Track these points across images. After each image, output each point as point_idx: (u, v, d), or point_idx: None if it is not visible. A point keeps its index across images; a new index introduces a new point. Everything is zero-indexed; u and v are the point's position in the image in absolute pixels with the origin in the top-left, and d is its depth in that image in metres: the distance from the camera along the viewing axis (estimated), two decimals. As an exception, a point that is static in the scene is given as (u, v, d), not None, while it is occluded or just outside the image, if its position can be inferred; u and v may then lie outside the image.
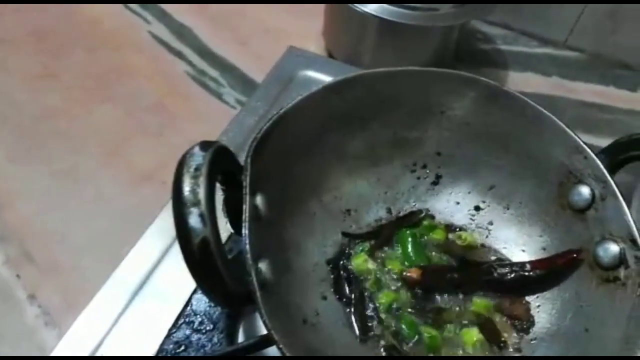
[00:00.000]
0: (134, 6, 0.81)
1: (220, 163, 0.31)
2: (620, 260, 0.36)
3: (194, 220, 0.28)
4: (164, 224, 0.49)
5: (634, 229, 0.36)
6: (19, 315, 0.49)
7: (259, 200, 0.35)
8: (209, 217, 0.28)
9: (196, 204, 0.28)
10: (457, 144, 0.44)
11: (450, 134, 0.44)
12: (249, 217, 0.32)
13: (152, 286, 0.45)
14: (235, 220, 0.32)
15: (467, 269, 0.42)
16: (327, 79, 0.58)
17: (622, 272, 0.36)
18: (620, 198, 0.37)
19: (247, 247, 0.31)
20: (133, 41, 0.76)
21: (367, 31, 0.68)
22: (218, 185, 0.34)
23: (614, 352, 0.33)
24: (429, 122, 0.44)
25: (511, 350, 0.39)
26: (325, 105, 0.40)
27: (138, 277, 0.46)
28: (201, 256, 0.28)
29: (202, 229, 0.28)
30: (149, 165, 0.61)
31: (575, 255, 0.39)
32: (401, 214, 0.46)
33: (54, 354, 0.43)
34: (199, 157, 0.30)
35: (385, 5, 0.63)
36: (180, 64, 0.73)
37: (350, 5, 0.63)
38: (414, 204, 0.46)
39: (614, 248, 0.37)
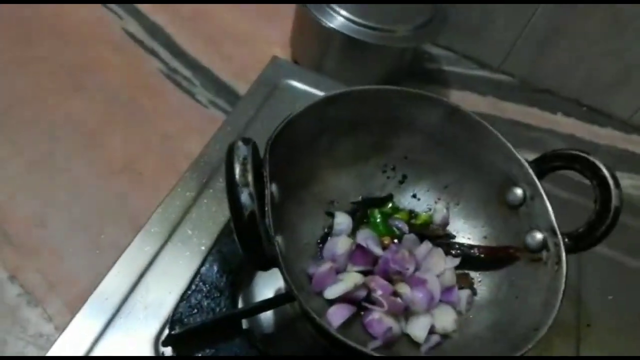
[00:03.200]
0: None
1: (256, 156, 0.40)
2: (543, 245, 0.47)
3: (245, 198, 0.36)
4: (165, 213, 0.54)
5: (554, 222, 0.47)
6: (0, 295, 0.51)
7: (274, 188, 0.43)
8: (256, 196, 0.36)
9: (246, 185, 0.36)
10: (421, 150, 0.54)
11: (416, 142, 0.54)
12: (270, 201, 0.41)
13: (161, 262, 0.51)
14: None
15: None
16: (306, 88, 0.68)
17: (544, 254, 0.47)
18: (545, 199, 0.48)
19: (271, 223, 0.39)
20: (106, 36, 0.77)
21: (332, 44, 0.75)
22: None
23: (537, 313, 0.44)
24: (401, 132, 0.53)
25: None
26: (323, 114, 0.49)
27: (147, 256, 0.51)
28: (249, 226, 0.36)
29: (251, 205, 0.36)
30: (123, 156, 0.63)
31: (512, 251, 0.49)
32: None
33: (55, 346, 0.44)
34: (244, 149, 0.38)
35: (350, 23, 0.70)
36: (154, 62, 0.75)
37: (317, 19, 0.70)
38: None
39: (539, 236, 0.48)
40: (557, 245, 0.46)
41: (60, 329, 0.46)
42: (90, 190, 0.60)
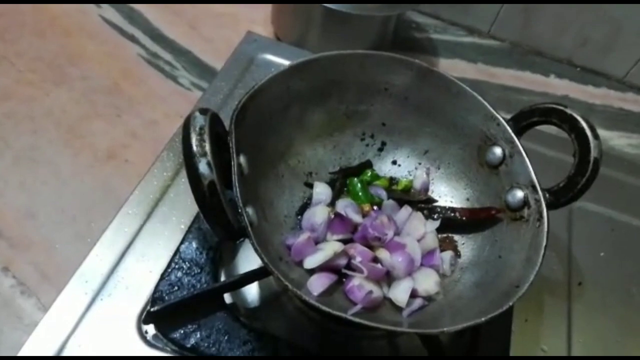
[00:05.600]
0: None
1: (214, 125, 0.39)
2: (524, 202, 0.46)
3: (202, 168, 0.35)
4: (142, 194, 0.54)
5: (534, 178, 0.46)
6: None
7: (242, 159, 0.43)
8: (215, 165, 0.36)
9: (204, 154, 0.36)
10: (398, 116, 0.53)
11: (392, 108, 0.53)
12: (237, 172, 0.40)
13: (141, 243, 0.51)
14: (223, 175, 0.39)
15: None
16: (283, 61, 0.67)
17: (525, 212, 0.46)
18: (524, 155, 0.47)
19: (238, 193, 0.39)
20: (84, 25, 0.76)
21: (313, 18, 0.73)
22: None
23: (520, 270, 0.43)
24: (375, 98, 0.52)
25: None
26: (290, 83, 0.48)
27: (127, 237, 0.51)
28: (210, 196, 0.36)
29: (209, 174, 0.36)
30: (108, 145, 0.63)
31: (494, 212, 0.49)
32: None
33: (38, 328, 0.45)
34: (200, 119, 0.37)
35: None
36: (134, 47, 0.74)
37: None
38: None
39: (519, 194, 0.47)
40: (537, 201, 0.45)
41: None
42: (76, 180, 0.60)
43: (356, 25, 0.74)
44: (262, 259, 0.38)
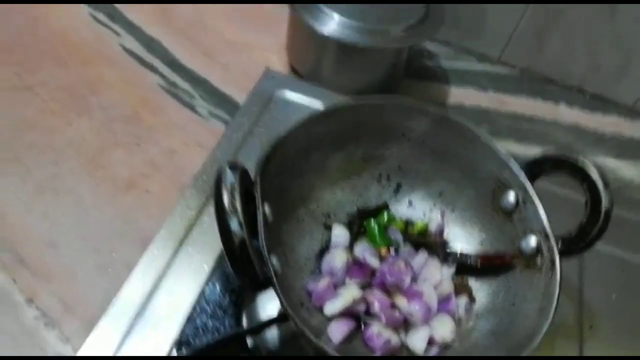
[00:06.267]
0: (102, 18, 0.82)
1: (244, 181, 0.41)
2: (537, 250, 0.48)
3: (234, 226, 0.38)
4: (168, 233, 0.56)
5: (547, 226, 0.47)
6: (18, 318, 0.52)
7: (267, 208, 0.44)
8: (245, 223, 0.38)
9: (235, 212, 0.38)
10: (414, 159, 0.55)
11: (409, 152, 0.54)
12: (263, 222, 0.42)
13: (167, 282, 0.53)
14: (249, 224, 0.41)
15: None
16: (302, 97, 0.68)
17: (539, 260, 0.47)
18: (538, 202, 0.48)
19: (264, 244, 0.40)
20: (104, 54, 0.77)
21: (326, 50, 0.75)
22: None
23: (533, 319, 0.45)
24: (392, 142, 0.54)
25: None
26: (311, 131, 0.50)
27: (153, 277, 0.53)
28: (240, 252, 0.38)
29: (240, 232, 0.38)
30: (129, 174, 0.64)
31: (508, 258, 0.50)
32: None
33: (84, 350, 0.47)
34: (231, 177, 0.39)
35: (343, 26, 0.70)
36: (153, 77, 0.75)
37: (309, 24, 0.69)
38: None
39: (533, 241, 0.48)
40: (550, 249, 0.47)
41: (77, 349, 0.48)
42: (97, 210, 0.61)
43: (370, 57, 0.75)
44: (287, 312, 0.40)
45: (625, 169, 0.79)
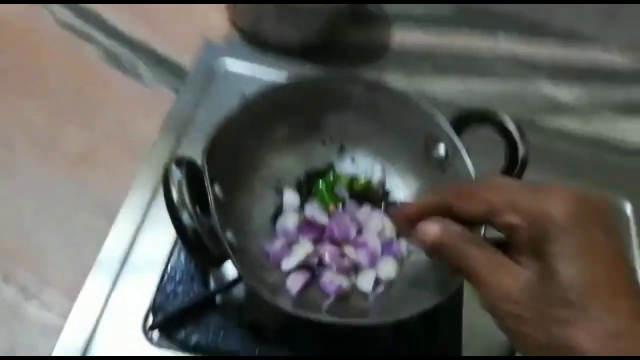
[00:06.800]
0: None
1: (190, 171, 0.45)
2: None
3: (185, 219, 0.42)
4: (132, 208, 0.60)
5: (473, 173, 0.52)
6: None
7: (217, 189, 0.49)
8: (195, 215, 0.42)
9: (185, 206, 0.42)
10: (354, 123, 0.59)
11: (348, 117, 0.59)
12: (214, 203, 0.46)
13: (132, 261, 0.57)
14: (200, 204, 0.46)
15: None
16: (244, 64, 0.71)
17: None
18: (464, 152, 0.53)
19: (218, 224, 0.45)
20: (40, 31, 0.75)
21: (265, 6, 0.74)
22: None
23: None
24: (332, 110, 0.58)
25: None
26: (255, 108, 0.54)
27: (120, 254, 0.57)
28: (194, 240, 0.43)
29: (192, 224, 0.42)
30: (83, 150, 0.65)
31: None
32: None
33: (61, 337, 0.51)
34: (178, 173, 0.43)
35: None
36: (93, 49, 0.74)
37: None
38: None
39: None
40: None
41: (61, 316, 0.53)
42: (57, 189, 0.63)
43: (311, 5, 0.75)
44: (244, 279, 0.45)
45: (561, 90, 0.86)
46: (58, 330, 0.53)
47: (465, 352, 0.57)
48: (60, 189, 0.63)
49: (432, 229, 0.39)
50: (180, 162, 0.44)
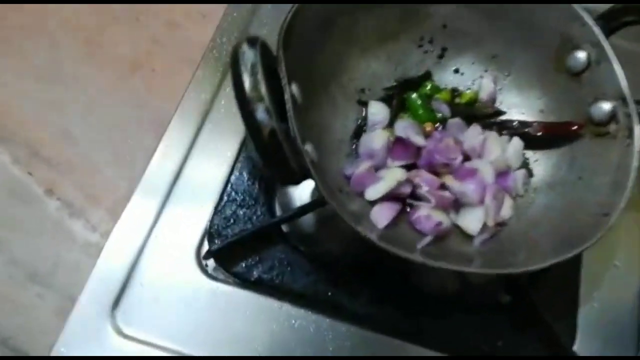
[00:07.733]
0: None
1: (264, 58, 0.34)
2: (612, 117, 0.41)
3: (261, 115, 0.31)
4: (183, 119, 0.50)
5: (625, 89, 0.41)
6: (40, 210, 0.52)
7: (294, 88, 0.38)
8: (274, 110, 0.31)
9: (261, 99, 0.31)
10: (462, 16, 0.47)
11: (455, 6, 0.46)
12: (292, 105, 0.36)
13: (186, 178, 0.48)
14: (276, 108, 0.35)
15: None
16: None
17: (612, 127, 0.41)
18: (614, 61, 0.41)
19: (296, 130, 0.35)
20: None
21: None
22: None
23: (605, 195, 0.39)
24: (435, -5, 0.46)
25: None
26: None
27: (171, 171, 0.48)
28: (271, 145, 0.32)
29: (269, 121, 0.32)
30: (131, 53, 0.60)
31: (574, 127, 0.44)
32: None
33: (100, 258, 0.45)
34: (251, 55, 0.32)
35: None
36: None
37: None
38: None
39: (606, 106, 0.42)
40: (628, 115, 0.40)
41: (106, 236, 0.46)
42: (104, 95, 0.58)
43: None
44: (329, 202, 0.35)
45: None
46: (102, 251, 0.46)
47: (583, 306, 0.46)
48: (109, 96, 0.58)
49: None
50: (255, 41, 0.33)
